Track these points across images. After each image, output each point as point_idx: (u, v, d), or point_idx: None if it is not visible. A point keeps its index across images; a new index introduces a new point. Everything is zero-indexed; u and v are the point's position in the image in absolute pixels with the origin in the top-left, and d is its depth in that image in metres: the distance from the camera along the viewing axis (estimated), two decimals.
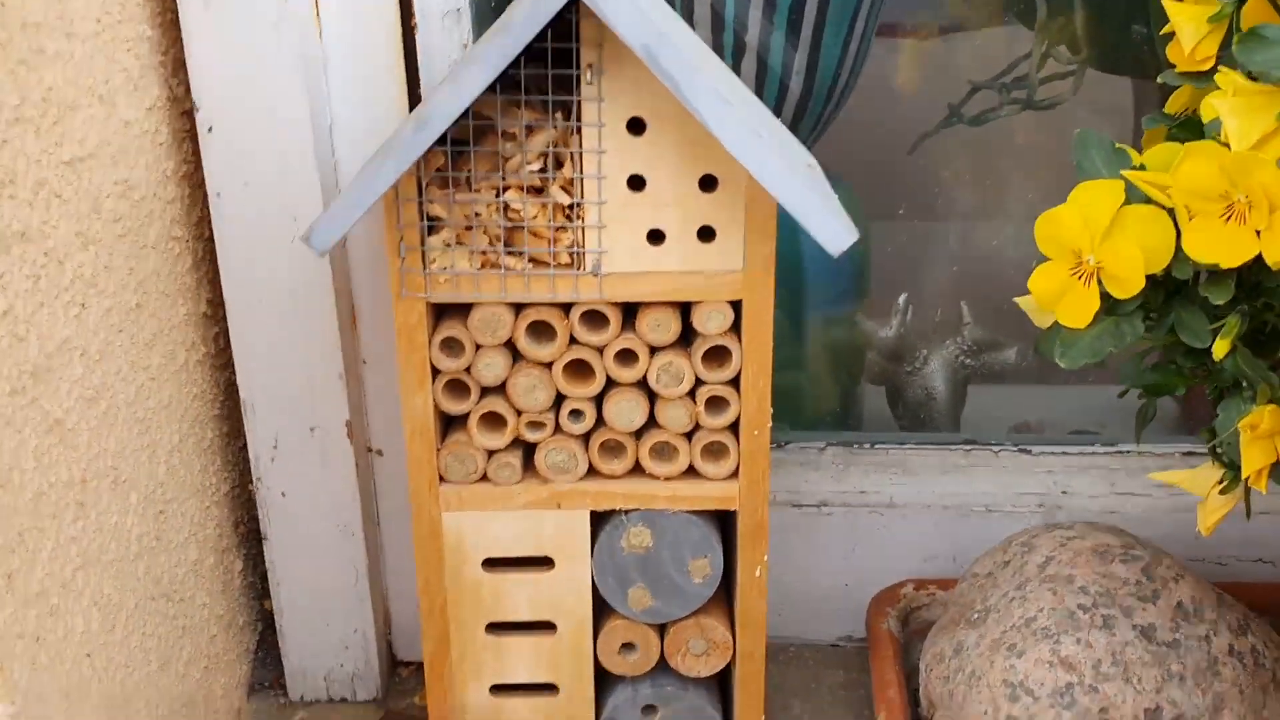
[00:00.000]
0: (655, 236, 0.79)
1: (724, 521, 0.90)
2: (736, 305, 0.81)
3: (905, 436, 1.15)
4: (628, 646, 0.90)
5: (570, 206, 0.78)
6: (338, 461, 0.99)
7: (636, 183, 0.78)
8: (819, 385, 1.29)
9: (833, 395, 1.29)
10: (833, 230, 0.73)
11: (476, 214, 0.79)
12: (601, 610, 0.90)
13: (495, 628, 0.89)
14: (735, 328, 0.82)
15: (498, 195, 0.78)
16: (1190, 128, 0.73)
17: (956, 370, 1.28)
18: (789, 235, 0.91)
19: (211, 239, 0.94)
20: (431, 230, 0.79)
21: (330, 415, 0.98)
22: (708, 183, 0.78)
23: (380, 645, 1.08)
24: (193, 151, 0.94)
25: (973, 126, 1.30)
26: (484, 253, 0.80)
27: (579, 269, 0.79)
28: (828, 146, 1.22)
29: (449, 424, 0.87)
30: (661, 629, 0.90)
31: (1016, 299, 0.90)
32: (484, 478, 0.85)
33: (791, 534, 1.10)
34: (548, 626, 0.89)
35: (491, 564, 0.88)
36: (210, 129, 0.90)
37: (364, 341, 0.99)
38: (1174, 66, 0.74)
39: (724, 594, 0.92)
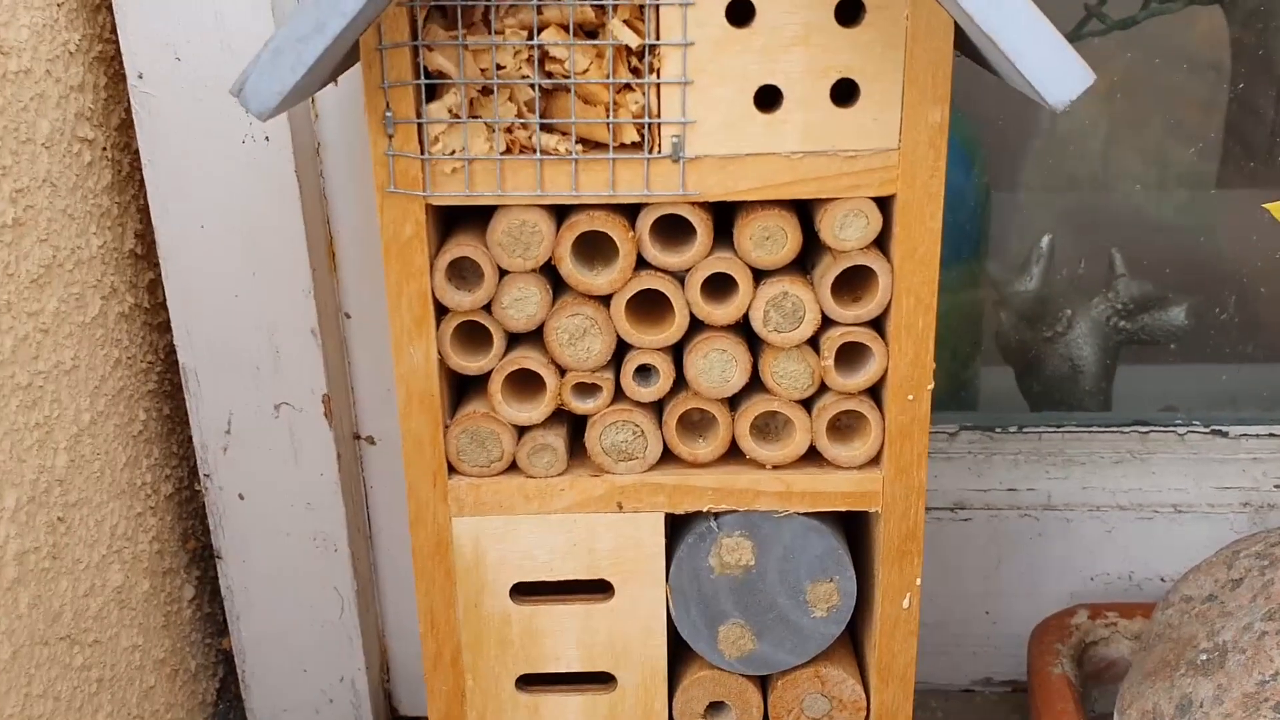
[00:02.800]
0: (767, 97, 0.53)
1: (854, 529, 0.64)
2: (886, 205, 0.55)
3: (1063, 417, 0.89)
4: (717, 707, 0.64)
5: (639, 52, 0.52)
6: (313, 451, 0.73)
7: (741, 11, 0.52)
8: (938, 355, 1.02)
9: (951, 366, 1.02)
10: (1058, 67, 0.47)
11: (499, 67, 0.52)
12: (680, 656, 0.64)
13: (530, 681, 0.63)
14: (883, 240, 0.56)
15: (530, 37, 0.52)
16: None
17: (1107, 335, 1.00)
18: None
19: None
20: (433, 94, 0.53)
21: (300, 388, 0.72)
22: (849, 10, 0.52)
23: (376, 697, 0.82)
24: (110, 24, 0.68)
25: (1121, 30, 1.03)
26: (510, 129, 0.53)
27: (651, 151, 0.53)
28: None
29: (463, 389, 0.61)
30: (765, 682, 0.64)
31: (1268, 205, 0.63)
32: (512, 466, 0.59)
33: None
34: (604, 679, 0.63)
35: (524, 591, 0.61)
36: None
37: (346, 286, 0.73)
38: None
39: (849, 633, 0.65)
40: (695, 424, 0.60)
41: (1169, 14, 1.03)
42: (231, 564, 0.76)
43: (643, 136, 0.53)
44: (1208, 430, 0.86)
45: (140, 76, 0.65)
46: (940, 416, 0.88)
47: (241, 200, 0.67)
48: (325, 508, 0.75)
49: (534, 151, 0.53)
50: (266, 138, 0.66)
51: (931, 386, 0.57)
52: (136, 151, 0.71)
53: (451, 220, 0.58)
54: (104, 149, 0.69)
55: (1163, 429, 0.86)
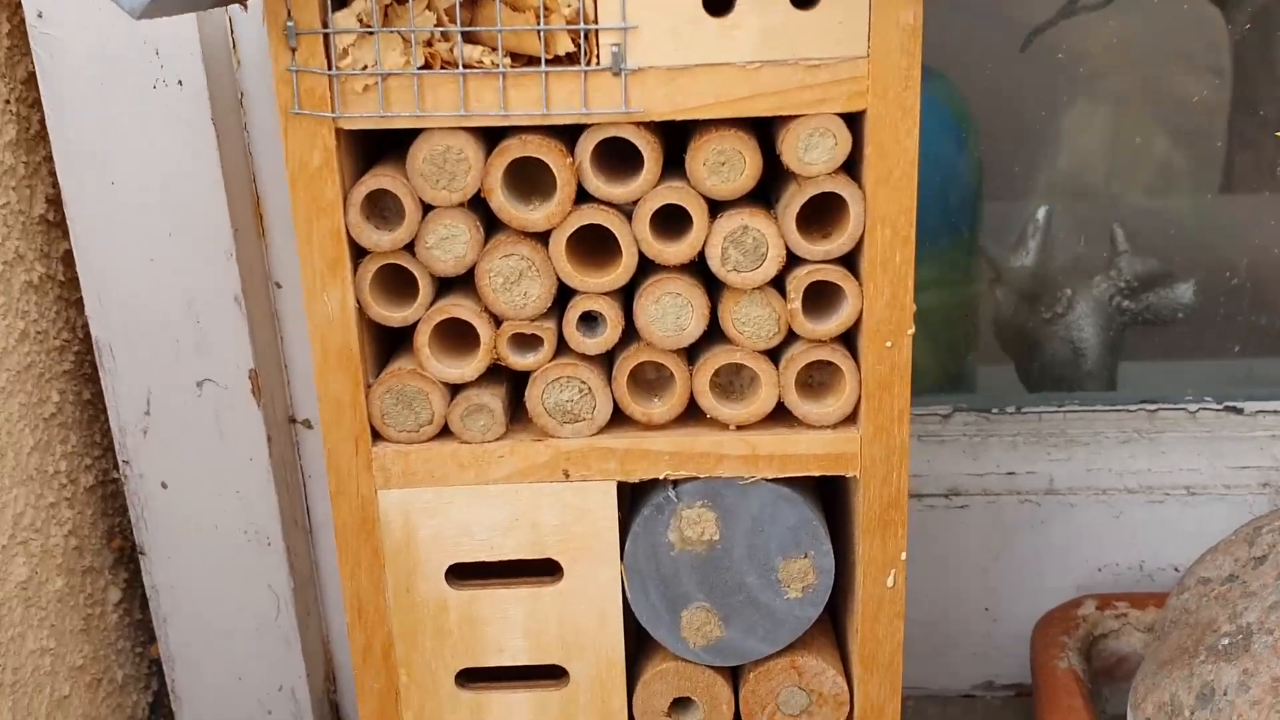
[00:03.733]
0: (718, 0, 0.47)
1: (831, 497, 0.57)
2: (855, 122, 0.49)
3: (1064, 396, 0.82)
4: (683, 704, 0.57)
5: None
6: (240, 433, 0.67)
7: None
8: (927, 336, 0.96)
9: (945, 350, 0.96)
10: None
11: None
12: (640, 645, 0.57)
13: (472, 677, 0.56)
14: (853, 164, 0.49)
15: None
16: None
17: (1110, 316, 0.94)
18: None
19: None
20: (342, 1, 0.47)
21: (224, 363, 0.65)
22: None
23: (320, 708, 0.75)
24: None
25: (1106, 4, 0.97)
26: (429, 40, 0.47)
27: (589, 63, 0.47)
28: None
29: (390, 344, 0.54)
30: (736, 674, 0.57)
31: None
32: (445, 431, 0.53)
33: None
34: (555, 674, 0.56)
35: (462, 573, 0.55)
36: None
37: (276, 253, 0.67)
38: None
39: (829, 618, 0.58)
40: (649, 380, 0.54)
41: None
42: (156, 561, 0.70)
43: (578, 46, 0.47)
44: (1221, 407, 0.80)
45: (40, 15, 0.60)
46: (933, 399, 0.82)
47: (155, 153, 0.62)
48: (256, 497, 0.68)
49: (456, 66, 0.47)
50: (180, 82, 0.60)
51: (912, 331, 0.51)
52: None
53: (375, 152, 0.52)
54: (6, 101, 0.63)
55: (1172, 406, 0.80)
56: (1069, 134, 1.05)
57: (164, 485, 0.68)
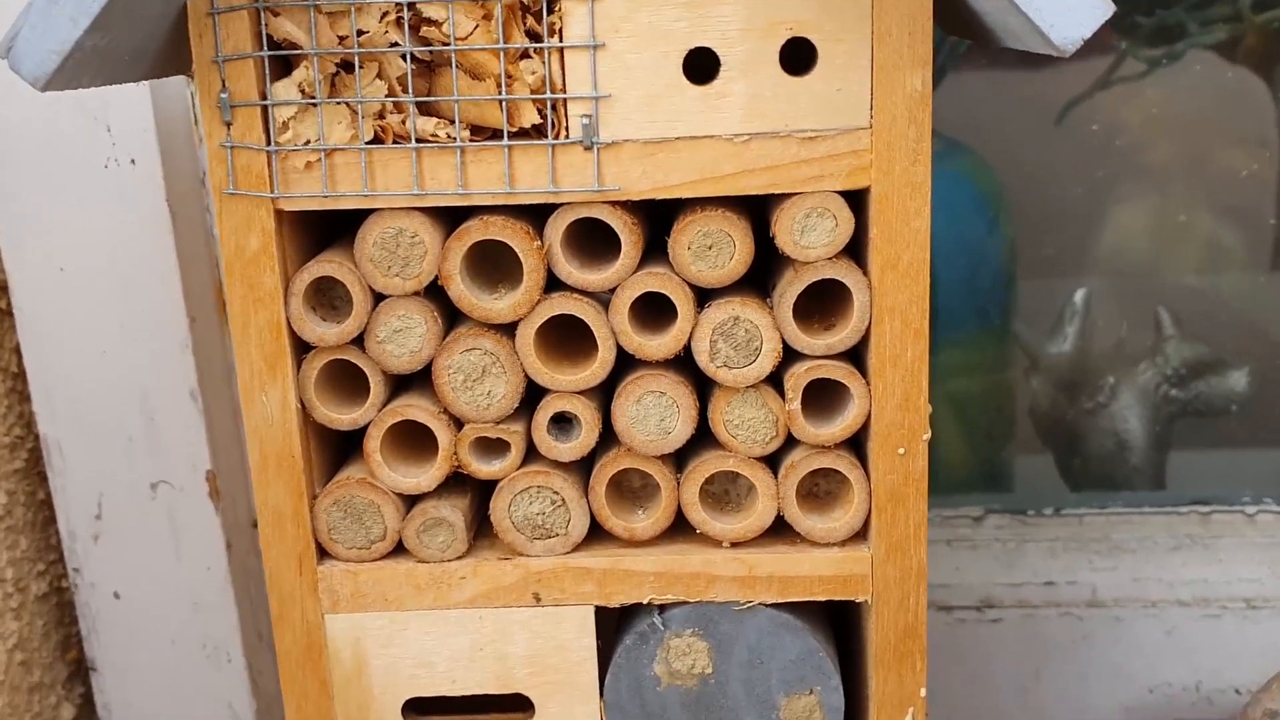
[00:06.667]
0: (701, 65, 0.42)
1: (840, 625, 0.51)
2: (858, 200, 0.43)
3: (1107, 497, 0.75)
4: None
5: (536, 10, 0.41)
6: (197, 539, 0.61)
7: None
8: (959, 431, 0.89)
9: (978, 445, 0.89)
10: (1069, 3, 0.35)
11: (361, 34, 0.42)
12: None
13: None
14: (856, 247, 0.44)
15: None
16: None
17: (1157, 406, 0.87)
18: None
19: None
20: (282, 70, 0.43)
21: (180, 463, 0.60)
22: None
23: None
24: None
25: (1169, 64, 0.92)
26: (379, 113, 0.42)
27: (557, 136, 0.42)
28: (950, 111, 0.85)
29: (339, 450, 0.49)
30: None
31: None
32: (399, 548, 0.47)
33: (935, 653, 0.70)
34: None
35: (422, 709, 0.48)
36: None
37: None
38: None
39: None
40: (633, 490, 0.48)
41: (1210, 43, 0.92)
42: (109, 676, 0.64)
43: (545, 118, 0.42)
44: None
45: None
46: (964, 499, 0.76)
47: (105, 237, 0.57)
48: (214, 608, 0.62)
49: (408, 139, 0.42)
50: (133, 161, 0.56)
51: (928, 436, 0.45)
52: None
53: (329, 234, 0.47)
54: None
55: (1228, 509, 0.73)
56: (1108, 211, 0.99)
57: (116, 595, 0.62)
